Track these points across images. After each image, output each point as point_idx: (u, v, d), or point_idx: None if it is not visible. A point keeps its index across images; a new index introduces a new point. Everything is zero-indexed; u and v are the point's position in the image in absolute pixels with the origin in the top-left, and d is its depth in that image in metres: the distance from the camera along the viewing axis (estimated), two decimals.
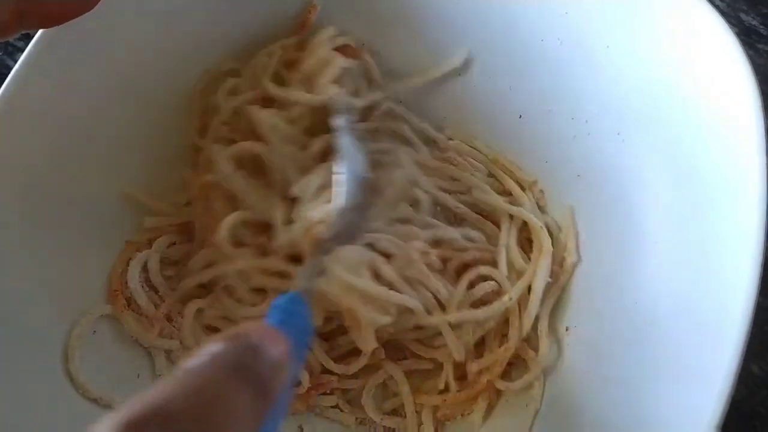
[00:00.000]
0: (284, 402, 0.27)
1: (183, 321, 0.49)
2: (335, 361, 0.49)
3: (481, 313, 0.48)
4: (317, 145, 0.51)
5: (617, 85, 0.47)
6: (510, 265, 0.51)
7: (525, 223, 0.52)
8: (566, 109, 0.51)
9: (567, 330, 0.48)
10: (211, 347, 0.23)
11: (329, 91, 0.50)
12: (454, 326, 0.48)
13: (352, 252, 0.46)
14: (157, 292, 0.50)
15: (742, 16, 0.66)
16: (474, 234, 0.51)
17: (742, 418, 0.51)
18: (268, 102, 0.53)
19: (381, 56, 0.57)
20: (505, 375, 0.49)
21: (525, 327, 0.48)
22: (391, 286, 0.46)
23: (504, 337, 0.50)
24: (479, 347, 0.50)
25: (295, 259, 0.48)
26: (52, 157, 0.45)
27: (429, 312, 0.48)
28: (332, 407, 0.50)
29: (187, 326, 0.49)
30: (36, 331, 0.44)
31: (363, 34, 0.56)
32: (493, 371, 0.48)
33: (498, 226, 0.53)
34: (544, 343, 0.48)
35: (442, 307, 0.48)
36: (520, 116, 0.54)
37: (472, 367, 0.48)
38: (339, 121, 0.49)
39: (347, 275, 0.44)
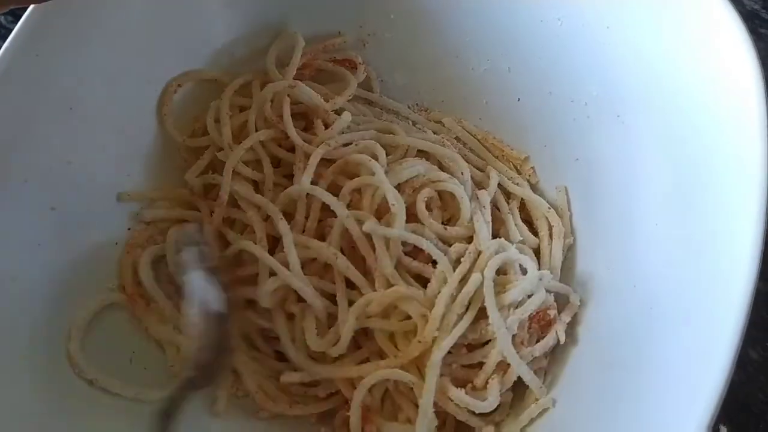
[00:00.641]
0: None
1: None
2: None
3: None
4: None
5: (617, 66, 0.47)
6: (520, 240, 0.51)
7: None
8: (565, 91, 0.51)
9: None
10: None
11: None
12: None
13: None
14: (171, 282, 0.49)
15: (745, 0, 0.66)
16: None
17: (741, 403, 0.51)
18: None
19: (378, 39, 0.57)
20: None
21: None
22: None
23: None
24: None
25: None
26: (44, 138, 0.45)
27: None
28: None
29: None
30: (43, 310, 0.43)
31: (363, 18, 0.56)
32: None
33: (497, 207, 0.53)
34: None
35: None
36: (519, 99, 0.54)
37: None
38: (187, 256, 0.46)
39: None
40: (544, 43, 0.51)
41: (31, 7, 0.42)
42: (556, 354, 0.46)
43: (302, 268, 0.47)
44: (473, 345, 0.46)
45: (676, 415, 0.35)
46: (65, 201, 0.45)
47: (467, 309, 0.45)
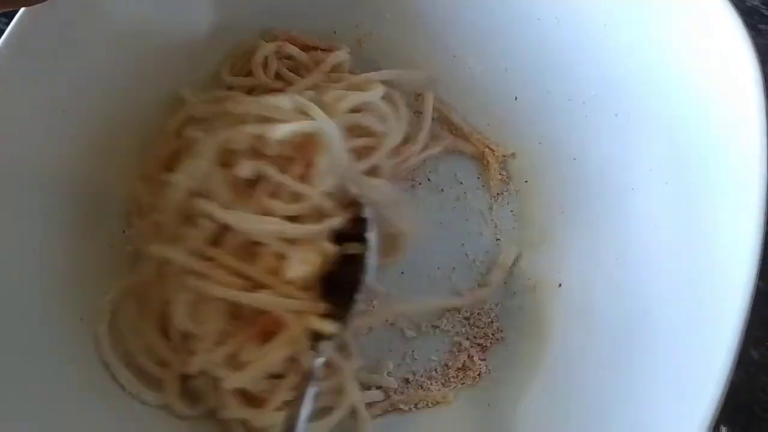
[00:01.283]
0: None
1: None
2: None
3: None
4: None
5: (615, 65, 0.47)
6: None
7: None
8: (563, 89, 0.50)
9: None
10: None
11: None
12: None
13: None
14: None
15: None
16: None
17: (742, 404, 0.50)
18: None
19: (374, 39, 0.56)
20: None
21: None
22: None
23: None
24: None
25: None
26: (35, 140, 0.44)
27: None
28: None
29: None
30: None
31: (359, 17, 0.56)
32: None
33: None
34: None
35: None
36: (516, 98, 0.54)
37: None
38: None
39: None
40: (541, 42, 0.50)
41: (22, 9, 0.42)
42: (555, 355, 0.46)
43: None
44: None
45: (676, 416, 0.35)
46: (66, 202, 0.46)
47: None
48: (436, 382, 0.49)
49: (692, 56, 0.42)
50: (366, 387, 0.48)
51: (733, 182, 0.38)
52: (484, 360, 0.49)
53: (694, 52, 0.42)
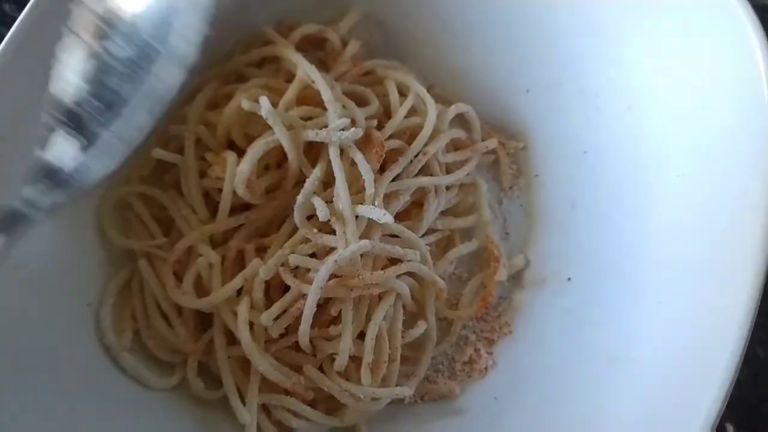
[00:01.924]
0: None
1: None
2: None
3: None
4: None
5: (629, 58, 0.46)
6: None
7: None
8: (575, 82, 0.50)
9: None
10: None
11: None
12: None
13: None
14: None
15: None
16: None
17: (747, 402, 0.50)
18: None
19: (385, 31, 0.56)
20: None
21: None
22: None
23: None
24: None
25: None
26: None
27: None
28: None
29: None
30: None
31: (369, 8, 0.55)
32: None
33: None
34: None
35: None
36: (528, 91, 0.53)
37: None
38: None
39: None
40: (554, 33, 0.50)
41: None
42: (563, 349, 0.46)
43: None
44: None
45: (681, 414, 0.35)
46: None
47: None
48: (442, 375, 0.49)
49: (705, 51, 0.42)
50: None
51: (746, 177, 0.37)
52: (491, 353, 0.49)
53: (707, 46, 0.42)
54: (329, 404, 0.46)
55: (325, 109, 0.47)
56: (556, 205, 0.52)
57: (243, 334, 0.43)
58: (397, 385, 0.46)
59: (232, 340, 0.46)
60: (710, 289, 0.37)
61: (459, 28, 0.54)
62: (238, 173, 0.45)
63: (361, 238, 0.44)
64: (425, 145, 0.49)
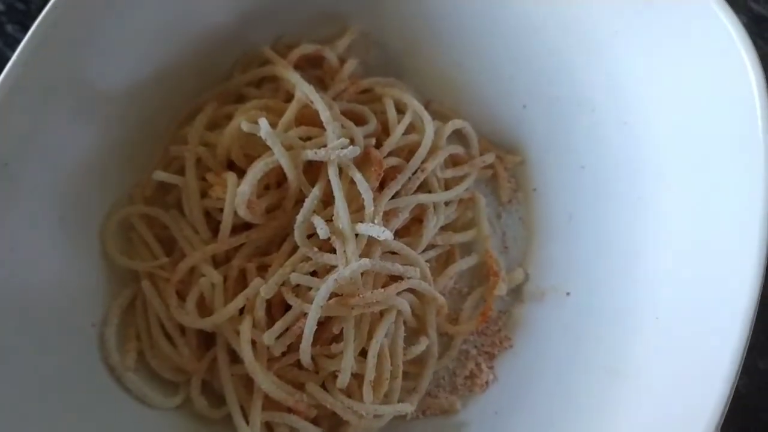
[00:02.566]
0: None
1: None
2: None
3: None
4: None
5: (624, 73, 0.47)
6: None
7: None
8: (572, 97, 0.50)
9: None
10: None
11: None
12: None
13: None
14: None
15: (752, 5, 0.65)
16: None
17: (749, 412, 0.50)
18: None
19: (380, 48, 0.57)
20: None
21: None
22: None
23: None
24: None
25: None
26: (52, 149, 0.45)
27: None
28: None
29: None
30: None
31: (366, 26, 0.56)
32: None
33: None
34: None
35: None
36: (524, 106, 0.54)
37: None
38: None
39: None
40: (550, 49, 0.50)
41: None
42: (563, 363, 0.46)
43: None
44: None
45: (681, 426, 0.35)
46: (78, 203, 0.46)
47: None
48: (443, 389, 0.49)
49: (700, 65, 0.42)
50: None
51: (740, 189, 0.38)
52: (491, 368, 0.49)
53: (701, 60, 0.42)
54: (332, 421, 0.46)
55: (324, 128, 0.47)
56: (554, 218, 0.53)
57: (246, 352, 0.44)
58: (399, 401, 0.46)
59: (235, 358, 0.46)
60: (707, 303, 0.38)
61: (455, 45, 0.55)
62: (238, 194, 0.45)
63: (362, 255, 0.44)
64: (423, 161, 0.50)
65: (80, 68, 0.45)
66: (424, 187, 0.50)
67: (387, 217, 0.47)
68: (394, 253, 0.47)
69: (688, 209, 0.42)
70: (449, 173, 0.53)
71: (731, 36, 0.40)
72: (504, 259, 0.53)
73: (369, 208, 0.45)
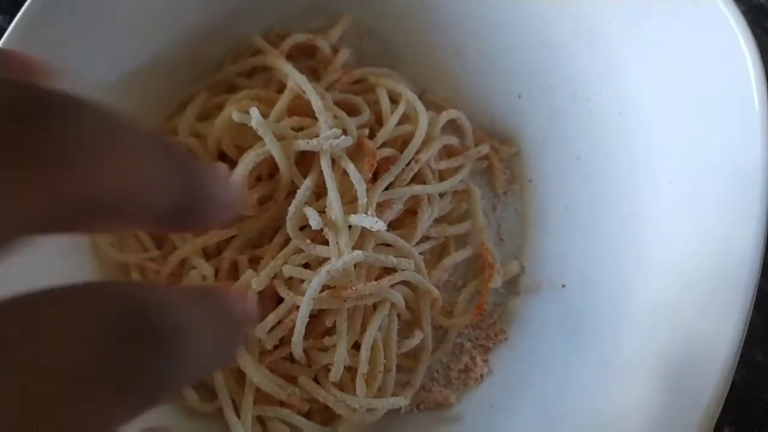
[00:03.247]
0: None
1: None
2: None
3: None
4: None
5: (619, 61, 0.46)
6: None
7: None
8: (567, 86, 0.50)
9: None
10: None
11: None
12: None
13: None
14: None
15: None
16: None
17: (746, 405, 0.50)
18: None
19: (375, 37, 0.56)
20: None
21: None
22: None
23: None
24: None
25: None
26: None
27: None
28: None
29: None
30: None
31: (359, 14, 0.55)
32: None
33: None
34: None
35: None
36: (520, 96, 0.53)
37: None
38: None
39: None
40: (545, 38, 0.50)
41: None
42: (558, 356, 0.46)
43: None
44: None
45: (677, 419, 0.35)
46: None
47: None
48: (437, 383, 0.49)
49: (696, 54, 0.41)
50: None
51: (737, 182, 0.37)
52: (486, 361, 0.49)
53: (697, 50, 0.41)
54: (325, 415, 0.46)
55: (316, 119, 0.47)
56: (550, 209, 0.52)
57: None
58: (392, 395, 0.46)
59: None
60: (704, 295, 0.37)
61: (450, 34, 0.54)
62: None
63: (355, 247, 0.44)
64: (417, 152, 0.49)
65: (68, 59, 0.44)
66: (418, 179, 0.50)
67: (380, 208, 0.47)
68: (387, 245, 0.46)
69: (686, 199, 0.41)
70: (443, 164, 0.52)
71: (730, 24, 0.39)
72: (499, 252, 0.53)
73: (362, 199, 0.45)
